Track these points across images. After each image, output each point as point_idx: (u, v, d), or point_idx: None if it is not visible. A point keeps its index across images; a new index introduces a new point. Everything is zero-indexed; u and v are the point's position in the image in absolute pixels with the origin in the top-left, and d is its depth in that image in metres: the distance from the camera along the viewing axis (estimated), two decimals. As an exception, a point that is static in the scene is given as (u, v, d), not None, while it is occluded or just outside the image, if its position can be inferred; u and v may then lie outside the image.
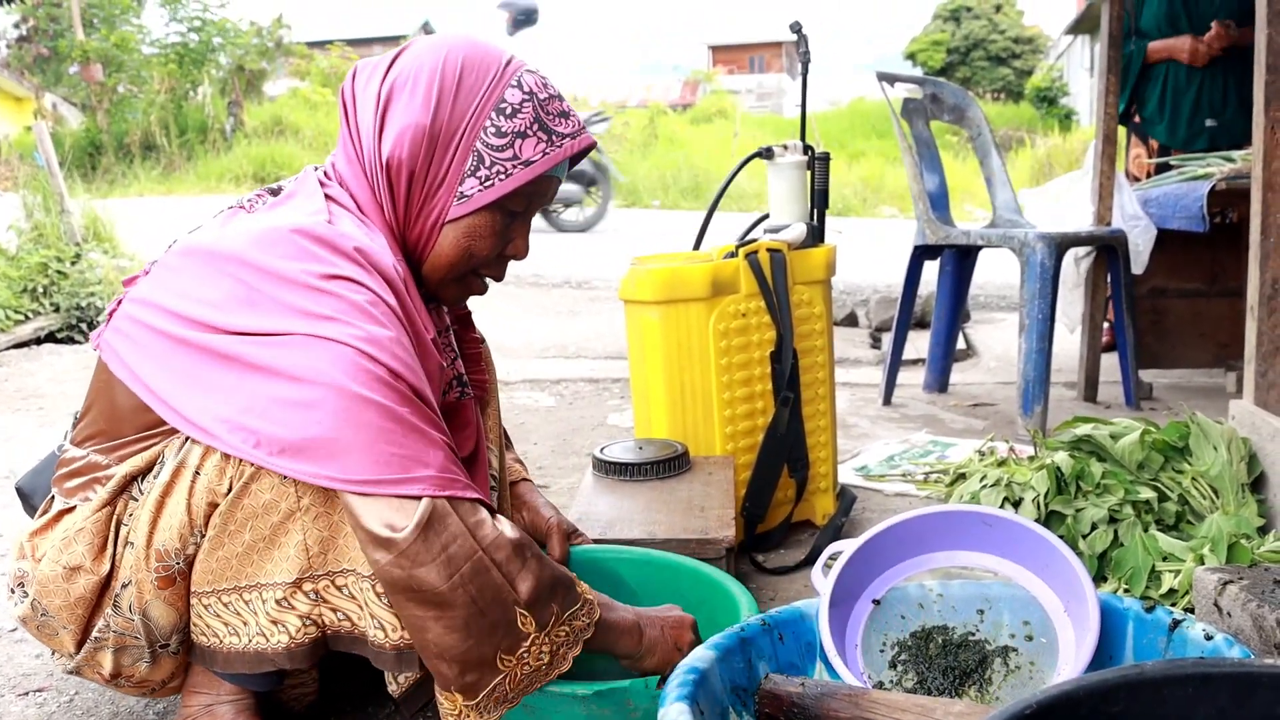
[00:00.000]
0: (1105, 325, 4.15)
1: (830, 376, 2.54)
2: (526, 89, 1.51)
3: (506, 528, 1.33)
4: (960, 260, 3.95)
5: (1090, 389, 3.97)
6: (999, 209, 3.91)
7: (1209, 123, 4.33)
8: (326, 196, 1.48)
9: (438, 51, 1.50)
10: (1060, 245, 3.40)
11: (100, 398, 1.48)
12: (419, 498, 1.27)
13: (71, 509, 1.47)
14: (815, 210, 2.58)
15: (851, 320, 6.00)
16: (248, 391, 1.30)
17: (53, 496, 1.52)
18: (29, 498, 1.65)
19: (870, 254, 8.55)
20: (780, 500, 2.46)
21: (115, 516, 1.44)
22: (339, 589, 1.39)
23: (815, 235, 2.51)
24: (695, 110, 28.08)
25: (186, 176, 15.56)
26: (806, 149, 2.56)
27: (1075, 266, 3.94)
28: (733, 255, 2.31)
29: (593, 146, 1.59)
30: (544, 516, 1.87)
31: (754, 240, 2.39)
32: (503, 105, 1.49)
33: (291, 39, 20.79)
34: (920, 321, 5.43)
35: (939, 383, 4.15)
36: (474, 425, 1.66)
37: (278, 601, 1.39)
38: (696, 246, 2.60)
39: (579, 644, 1.40)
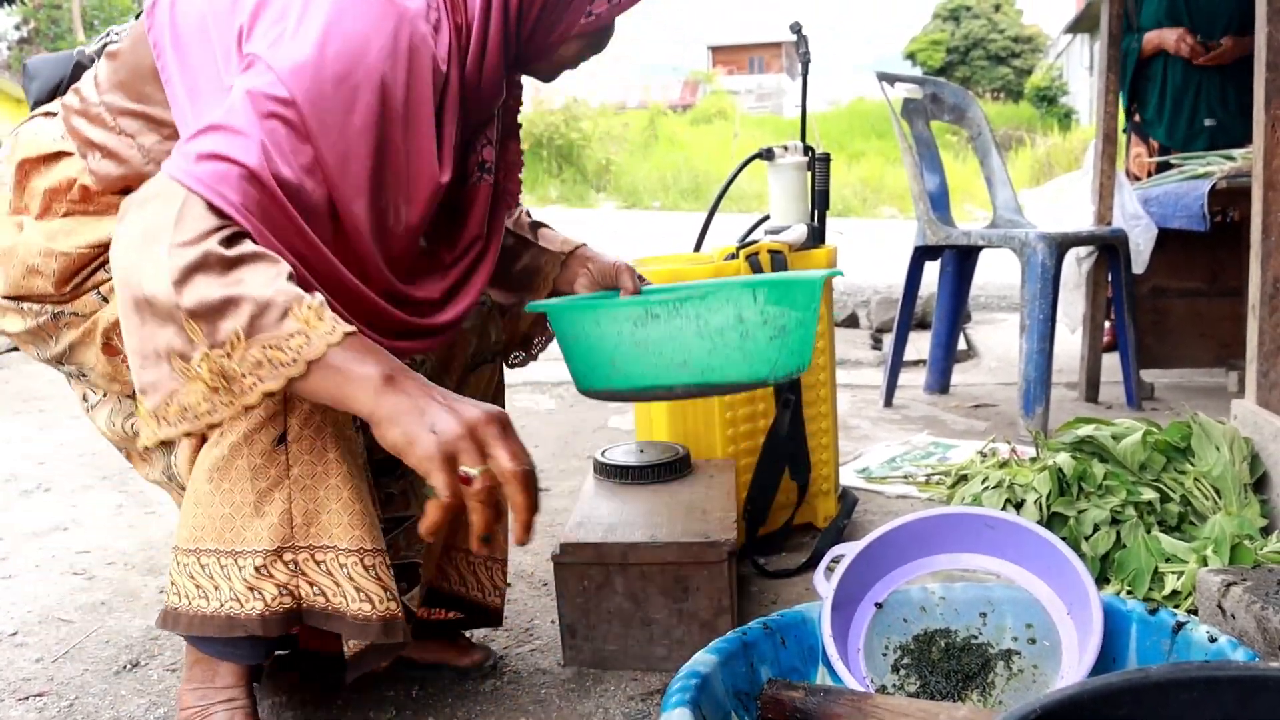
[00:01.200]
0: (1106, 325, 4.14)
1: (831, 378, 2.54)
2: None
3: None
4: (961, 261, 3.95)
5: (1092, 389, 3.97)
6: (999, 209, 3.91)
7: (1208, 122, 4.32)
8: None
9: None
10: (1061, 245, 3.40)
11: (136, 52, 1.49)
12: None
13: (69, 155, 1.51)
14: (816, 211, 2.57)
15: (852, 321, 5.99)
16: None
17: (50, 112, 1.57)
18: (31, 78, 1.69)
19: (871, 254, 8.55)
20: (782, 503, 2.45)
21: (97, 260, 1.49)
22: (318, 564, 1.41)
23: (816, 236, 2.51)
24: (695, 111, 28.11)
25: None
26: (807, 150, 2.55)
27: (1076, 266, 3.94)
28: (733, 257, 2.31)
29: None
30: (609, 261, 1.85)
31: (755, 242, 2.38)
32: None
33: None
34: (921, 322, 5.42)
35: (940, 384, 4.14)
36: (479, 214, 1.63)
37: (256, 569, 1.39)
38: (697, 248, 2.59)
39: (281, 378, 1.23)
